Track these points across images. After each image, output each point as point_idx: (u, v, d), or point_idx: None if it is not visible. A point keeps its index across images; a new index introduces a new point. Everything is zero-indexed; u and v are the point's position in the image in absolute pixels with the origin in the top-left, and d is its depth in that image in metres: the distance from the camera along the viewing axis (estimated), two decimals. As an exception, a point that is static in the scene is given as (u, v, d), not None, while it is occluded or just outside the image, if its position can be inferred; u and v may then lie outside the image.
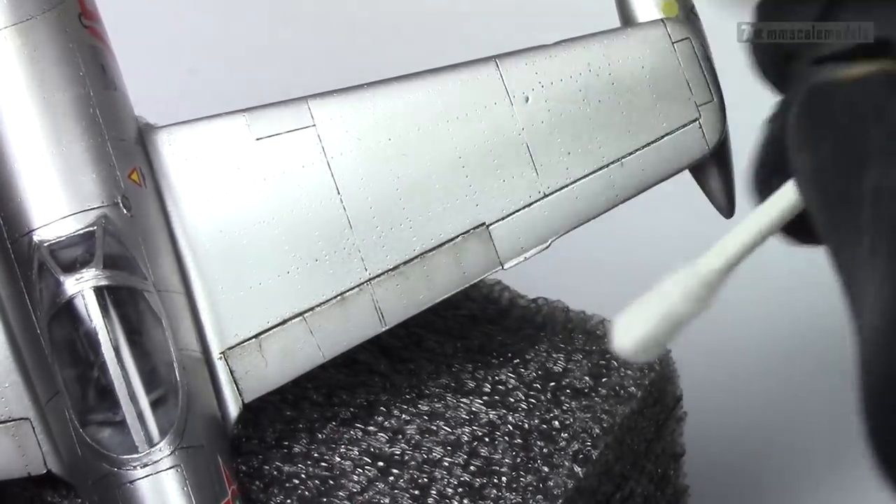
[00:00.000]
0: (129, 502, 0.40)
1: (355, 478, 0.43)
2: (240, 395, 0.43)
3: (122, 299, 0.41)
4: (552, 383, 0.44)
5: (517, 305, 0.47)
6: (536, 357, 0.45)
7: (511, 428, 0.43)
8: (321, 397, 0.45)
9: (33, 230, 0.41)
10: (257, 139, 0.44)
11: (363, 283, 0.43)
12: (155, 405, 0.41)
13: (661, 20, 0.43)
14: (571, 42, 0.42)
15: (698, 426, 0.48)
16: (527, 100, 0.43)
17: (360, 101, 0.44)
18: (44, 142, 0.42)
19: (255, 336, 0.43)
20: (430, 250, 0.43)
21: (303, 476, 0.43)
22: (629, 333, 0.36)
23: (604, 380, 0.44)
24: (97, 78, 0.43)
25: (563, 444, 0.42)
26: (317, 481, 0.43)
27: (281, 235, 0.43)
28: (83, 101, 0.42)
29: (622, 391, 0.43)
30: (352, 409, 0.44)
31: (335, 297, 0.43)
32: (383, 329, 0.43)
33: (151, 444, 0.40)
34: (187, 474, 0.40)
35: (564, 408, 0.43)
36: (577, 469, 0.42)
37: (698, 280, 0.35)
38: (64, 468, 0.42)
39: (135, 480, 0.40)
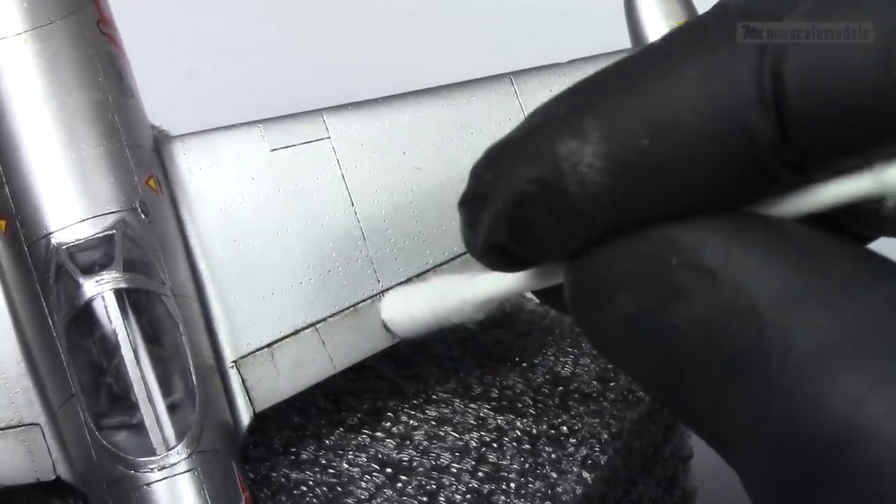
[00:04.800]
0: None
1: (363, 484, 0.43)
2: (251, 404, 0.43)
3: (140, 303, 0.41)
4: (560, 388, 0.45)
5: (524, 309, 0.47)
6: (544, 361, 0.46)
7: (519, 433, 0.44)
8: (328, 403, 0.45)
9: (51, 233, 0.41)
10: (272, 150, 0.44)
11: (376, 295, 0.44)
12: (171, 409, 0.41)
13: (676, 42, 0.45)
14: (585, 61, 0.44)
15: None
16: None
17: (375, 114, 0.45)
18: (62, 145, 0.42)
19: (268, 345, 0.43)
20: (443, 264, 0.44)
21: (311, 483, 0.44)
22: (396, 308, 0.38)
23: (612, 384, 0.45)
24: (115, 84, 0.43)
25: (571, 449, 0.43)
26: (325, 488, 0.43)
27: (294, 246, 0.44)
28: (102, 106, 0.42)
29: (631, 395, 0.44)
30: (359, 415, 0.45)
31: (348, 308, 0.44)
32: (395, 341, 0.44)
33: (168, 447, 0.40)
34: (204, 478, 0.40)
35: (573, 413, 0.44)
36: (586, 474, 0.43)
37: (472, 294, 0.37)
38: (74, 475, 0.42)
39: (151, 483, 0.40)
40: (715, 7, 0.31)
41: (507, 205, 0.31)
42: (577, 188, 0.30)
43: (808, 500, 0.27)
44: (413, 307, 0.41)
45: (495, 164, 0.32)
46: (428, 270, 0.44)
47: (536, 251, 0.33)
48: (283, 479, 0.44)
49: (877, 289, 0.27)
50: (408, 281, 0.44)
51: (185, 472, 0.40)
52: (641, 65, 0.30)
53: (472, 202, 0.33)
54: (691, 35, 0.30)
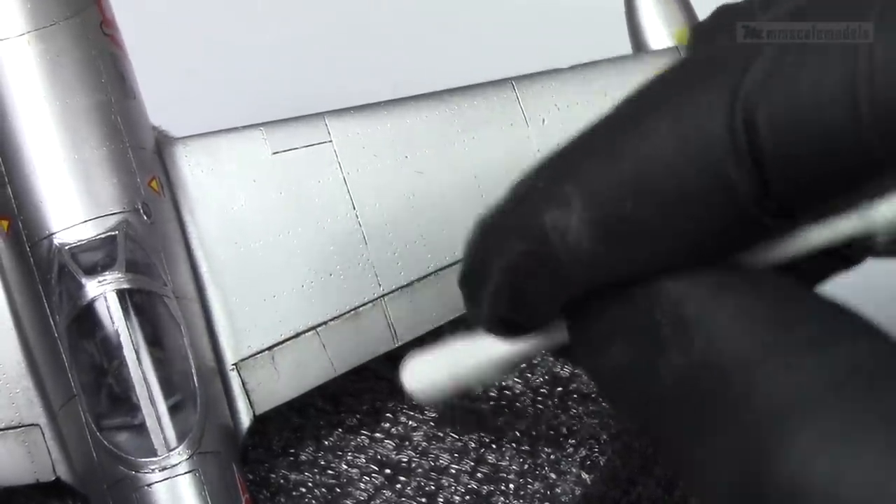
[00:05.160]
0: None
1: (362, 485, 0.44)
2: (251, 406, 0.43)
3: (143, 303, 0.41)
4: (559, 388, 0.45)
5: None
6: (543, 362, 0.46)
7: (518, 434, 0.44)
8: (328, 404, 0.45)
9: (53, 234, 0.41)
10: (274, 153, 0.45)
11: (377, 299, 0.44)
12: (173, 410, 0.41)
13: (676, 48, 0.45)
14: (587, 67, 0.44)
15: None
16: (543, 122, 0.45)
17: (377, 118, 0.45)
18: (65, 146, 0.42)
19: (269, 348, 0.43)
20: (444, 268, 0.44)
21: (310, 484, 0.44)
22: (417, 376, 0.39)
23: (612, 388, 0.45)
24: (118, 86, 0.43)
25: (570, 450, 0.44)
26: (324, 489, 0.44)
27: (296, 249, 0.44)
28: (105, 107, 0.43)
29: (630, 400, 0.45)
30: (358, 416, 0.45)
31: (349, 311, 0.44)
32: (396, 345, 0.44)
33: (170, 447, 0.40)
34: (204, 480, 0.40)
35: (571, 413, 0.44)
36: (585, 475, 0.43)
37: (488, 359, 0.37)
38: (73, 475, 0.42)
39: (152, 484, 0.40)
40: (686, 57, 0.31)
41: (502, 279, 0.32)
42: (566, 255, 0.31)
43: None
44: (434, 377, 0.41)
45: (486, 241, 0.33)
46: (429, 275, 0.45)
47: (537, 317, 0.33)
48: (282, 481, 0.44)
49: (839, 348, 0.28)
50: (411, 285, 0.44)
51: (186, 473, 0.40)
52: (618, 124, 0.31)
53: (470, 280, 0.34)
54: (665, 89, 0.30)
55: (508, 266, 0.32)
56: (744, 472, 0.28)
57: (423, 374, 0.40)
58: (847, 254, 0.33)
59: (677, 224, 0.30)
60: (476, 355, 0.38)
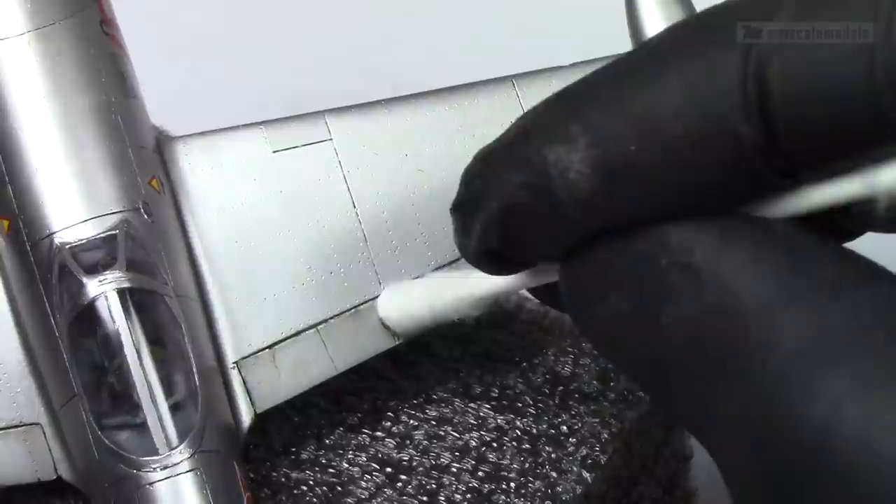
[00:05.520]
0: None
1: (363, 484, 0.44)
2: (252, 404, 0.43)
3: (144, 302, 0.41)
4: (560, 388, 0.45)
5: (524, 309, 0.48)
6: (544, 361, 0.46)
7: (519, 433, 0.44)
8: (329, 403, 0.45)
9: (54, 233, 0.41)
10: (274, 151, 0.45)
11: (377, 297, 0.44)
12: (174, 409, 0.41)
13: (676, 46, 0.45)
14: (588, 64, 0.44)
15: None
16: None
17: (377, 116, 0.45)
18: (65, 146, 0.42)
19: (269, 347, 0.43)
20: (445, 266, 0.44)
21: (311, 483, 0.44)
22: (391, 304, 0.39)
23: (612, 384, 0.45)
24: (118, 85, 0.43)
25: (571, 449, 0.44)
26: (325, 488, 0.44)
27: (296, 247, 0.44)
28: (105, 107, 0.43)
29: (631, 395, 0.44)
30: (359, 415, 0.45)
31: (349, 309, 0.44)
32: (396, 343, 0.44)
33: (171, 446, 0.40)
34: (206, 478, 0.40)
35: (573, 412, 0.44)
36: (586, 474, 0.43)
37: (469, 292, 0.37)
38: (75, 474, 0.42)
39: (153, 483, 0.40)
40: (702, 11, 0.31)
41: (497, 211, 0.32)
42: (566, 194, 0.30)
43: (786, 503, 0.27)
44: (410, 305, 0.41)
45: (485, 171, 0.32)
46: (429, 272, 0.44)
47: (528, 254, 0.33)
48: (283, 479, 0.44)
49: (861, 291, 0.28)
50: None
51: (187, 471, 0.40)
52: (628, 70, 0.30)
53: (464, 208, 0.33)
54: (678, 40, 0.30)
55: (505, 198, 0.31)
56: (765, 423, 0.27)
57: (400, 305, 0.40)
58: (846, 226, 0.33)
59: (681, 172, 0.29)
60: (456, 289, 0.38)
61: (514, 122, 0.32)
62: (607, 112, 0.30)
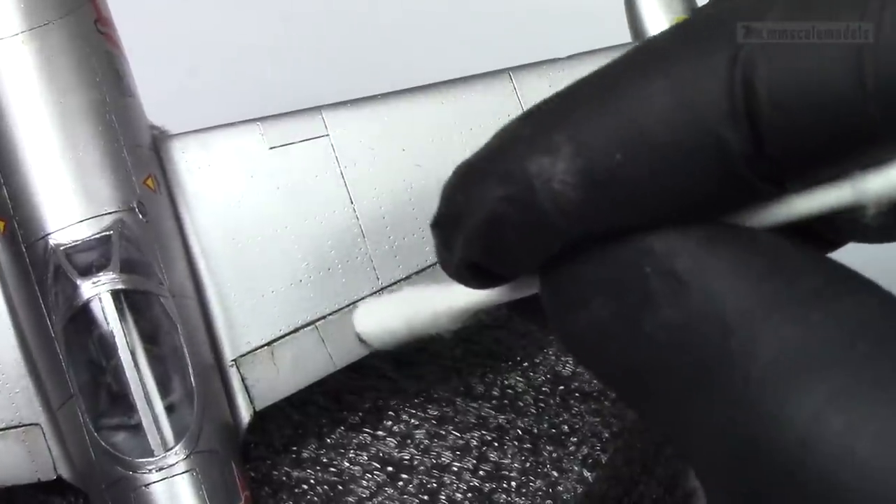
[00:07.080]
0: None
1: (364, 483, 0.43)
2: (251, 402, 0.43)
3: (138, 303, 0.41)
4: (561, 387, 0.45)
5: (525, 310, 0.47)
6: (545, 361, 0.45)
7: (520, 432, 0.44)
8: (330, 402, 0.45)
9: (49, 234, 0.41)
10: (271, 148, 0.44)
11: (376, 293, 0.44)
12: (170, 409, 0.41)
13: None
14: (584, 56, 0.43)
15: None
16: None
17: (373, 111, 0.44)
18: (60, 146, 0.42)
19: (268, 344, 0.43)
20: (427, 269, 0.44)
21: (312, 482, 0.44)
22: (368, 319, 0.38)
23: (613, 385, 0.44)
24: (113, 84, 0.43)
25: (572, 448, 0.43)
26: (326, 487, 0.43)
27: (294, 244, 0.44)
28: (99, 106, 0.42)
29: (632, 397, 0.44)
30: (360, 414, 0.45)
31: (347, 305, 0.43)
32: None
33: (167, 447, 0.40)
34: (202, 479, 0.40)
35: (573, 412, 0.44)
36: (587, 473, 0.42)
37: (446, 306, 0.37)
38: (74, 474, 0.42)
39: (150, 484, 0.40)
40: (687, 19, 0.30)
41: (479, 224, 0.31)
42: (550, 204, 0.30)
43: None
44: (387, 320, 0.41)
45: (466, 185, 0.32)
46: (427, 268, 0.44)
47: (511, 267, 0.32)
48: (284, 478, 0.44)
49: (843, 301, 0.27)
50: (409, 278, 0.44)
51: (183, 472, 0.40)
52: (612, 78, 0.30)
53: (445, 223, 0.33)
54: (663, 46, 0.30)
55: (487, 212, 0.31)
56: (745, 431, 0.27)
57: (377, 319, 0.40)
58: (828, 237, 0.32)
59: (666, 179, 0.29)
60: (434, 304, 0.38)
61: (492, 135, 0.32)
62: (591, 120, 0.29)
